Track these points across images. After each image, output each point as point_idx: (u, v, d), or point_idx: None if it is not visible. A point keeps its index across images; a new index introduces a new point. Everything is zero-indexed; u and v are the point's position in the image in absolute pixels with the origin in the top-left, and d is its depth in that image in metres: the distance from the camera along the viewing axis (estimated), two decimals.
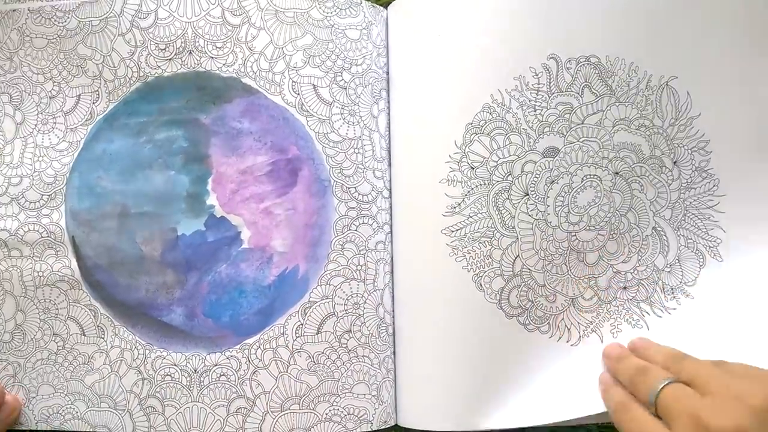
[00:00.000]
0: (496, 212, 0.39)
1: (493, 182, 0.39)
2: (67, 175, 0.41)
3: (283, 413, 0.39)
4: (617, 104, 0.39)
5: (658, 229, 0.39)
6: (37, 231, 0.41)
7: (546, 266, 0.39)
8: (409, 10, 0.41)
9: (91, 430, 0.40)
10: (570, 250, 0.39)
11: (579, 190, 0.39)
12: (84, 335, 0.40)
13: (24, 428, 0.41)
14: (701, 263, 0.39)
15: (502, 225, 0.39)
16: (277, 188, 0.40)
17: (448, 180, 0.40)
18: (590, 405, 0.37)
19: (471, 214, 0.39)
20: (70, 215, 0.41)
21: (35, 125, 0.41)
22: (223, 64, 0.40)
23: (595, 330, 0.39)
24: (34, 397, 0.41)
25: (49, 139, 0.41)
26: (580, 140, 0.39)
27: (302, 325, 0.40)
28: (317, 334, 0.40)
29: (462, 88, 0.39)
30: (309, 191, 0.40)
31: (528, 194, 0.39)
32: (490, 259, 0.39)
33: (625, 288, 0.39)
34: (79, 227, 0.41)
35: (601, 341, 0.39)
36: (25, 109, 0.41)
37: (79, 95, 0.41)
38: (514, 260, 0.39)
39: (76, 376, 0.40)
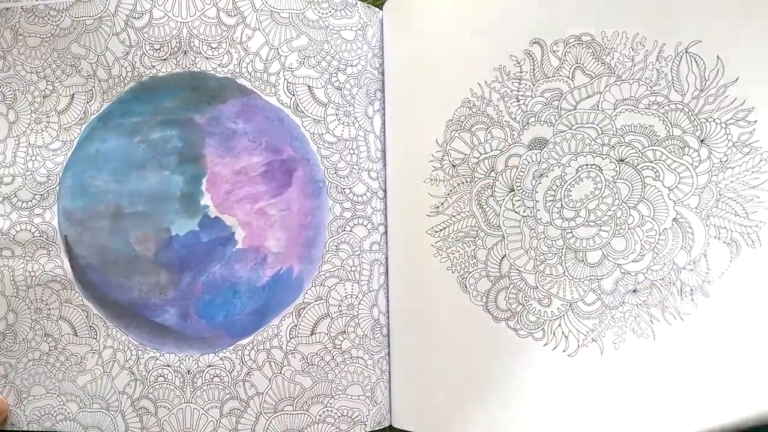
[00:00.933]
0: (480, 210, 0.38)
1: (476, 179, 0.38)
2: (60, 174, 0.41)
3: (276, 414, 0.39)
4: (618, 83, 0.35)
5: (680, 220, 0.34)
6: (29, 230, 0.40)
7: (538, 266, 0.37)
8: (400, 9, 0.41)
9: (83, 431, 0.40)
10: (566, 248, 0.36)
11: (573, 182, 0.36)
12: (76, 335, 0.40)
13: (15, 429, 0.40)
14: (732, 255, 0.32)
15: (486, 223, 0.38)
16: (272, 189, 0.40)
17: (432, 179, 0.39)
18: (587, 424, 0.34)
19: (454, 214, 0.39)
20: (62, 215, 0.41)
21: (28, 124, 0.41)
22: (218, 65, 0.40)
23: (596, 339, 0.35)
24: (25, 398, 0.40)
25: (43, 138, 0.41)
26: (573, 128, 0.36)
27: (296, 326, 0.40)
28: (311, 335, 0.40)
29: (442, 85, 0.39)
30: (304, 192, 0.40)
31: (513, 190, 0.37)
32: (474, 260, 0.38)
33: (635, 291, 0.35)
34: (72, 227, 0.41)
35: (601, 353, 0.35)
36: (19, 108, 0.41)
37: (73, 94, 0.41)
38: (501, 260, 0.38)
39: (68, 376, 0.40)
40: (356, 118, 0.41)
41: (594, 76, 0.35)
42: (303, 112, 0.40)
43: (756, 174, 0.32)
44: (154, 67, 0.40)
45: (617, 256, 0.35)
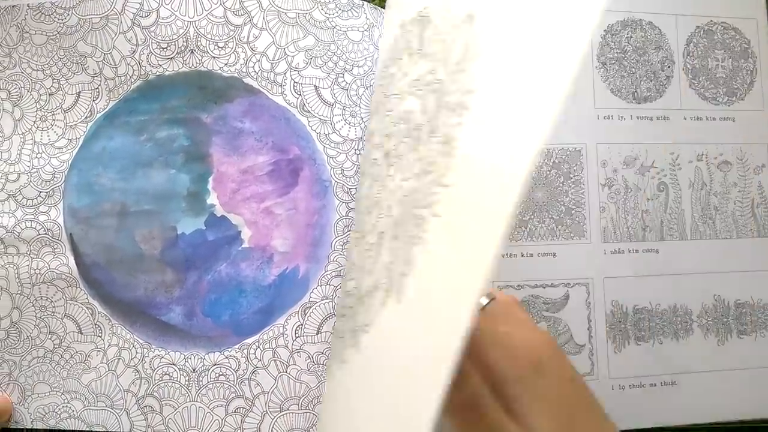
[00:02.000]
0: None
1: None
2: (66, 172, 0.41)
3: (282, 413, 0.39)
4: (415, 61, 0.28)
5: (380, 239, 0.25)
6: (35, 228, 0.40)
7: None
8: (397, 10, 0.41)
9: (87, 429, 0.40)
10: None
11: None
12: (81, 333, 0.40)
13: (20, 427, 0.40)
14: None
15: None
16: (278, 188, 0.41)
17: None
18: None
19: None
20: (68, 212, 0.41)
21: (34, 122, 0.41)
22: (225, 64, 0.40)
23: None
24: (29, 396, 0.40)
25: (48, 136, 0.41)
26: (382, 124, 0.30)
27: (302, 325, 0.40)
28: (317, 334, 0.40)
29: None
30: (310, 191, 0.41)
31: None
32: None
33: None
34: (78, 225, 0.41)
35: None
36: (24, 105, 0.41)
37: (79, 92, 0.41)
38: None
39: (73, 374, 0.40)
40: (362, 118, 0.41)
41: (410, 54, 0.27)
42: (309, 111, 0.41)
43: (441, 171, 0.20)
44: (160, 65, 0.40)
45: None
